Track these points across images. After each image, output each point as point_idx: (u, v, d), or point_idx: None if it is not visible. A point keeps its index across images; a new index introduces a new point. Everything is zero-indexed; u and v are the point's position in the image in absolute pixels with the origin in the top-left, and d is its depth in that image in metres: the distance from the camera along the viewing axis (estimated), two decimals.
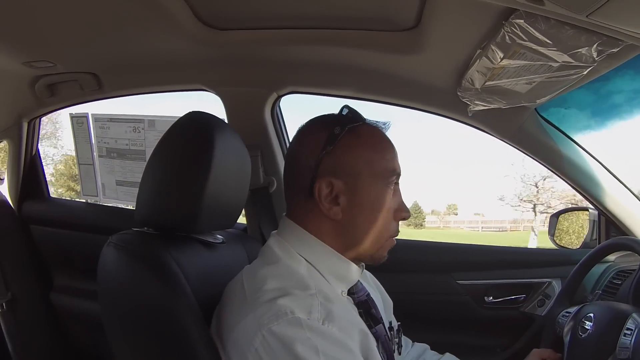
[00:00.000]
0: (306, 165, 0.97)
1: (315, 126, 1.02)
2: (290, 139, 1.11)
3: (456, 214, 34.94)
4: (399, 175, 1.02)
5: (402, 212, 1.03)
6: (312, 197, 0.96)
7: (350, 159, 0.97)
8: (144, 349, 0.97)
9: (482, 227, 31.19)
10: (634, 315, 1.16)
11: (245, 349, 0.83)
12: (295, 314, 0.82)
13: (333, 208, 0.96)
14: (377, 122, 1.04)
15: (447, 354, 1.34)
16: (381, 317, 1.07)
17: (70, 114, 2.14)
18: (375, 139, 1.01)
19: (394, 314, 1.26)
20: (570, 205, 2.95)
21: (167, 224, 1.05)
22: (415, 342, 1.37)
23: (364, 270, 1.11)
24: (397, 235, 1.05)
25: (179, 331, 0.92)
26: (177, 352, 0.92)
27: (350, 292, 1.02)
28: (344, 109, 1.04)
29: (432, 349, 1.37)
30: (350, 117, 1.01)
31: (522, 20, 1.04)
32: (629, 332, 1.12)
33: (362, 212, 0.98)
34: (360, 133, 0.98)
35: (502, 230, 29.11)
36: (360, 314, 1.01)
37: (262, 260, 0.99)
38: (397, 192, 1.03)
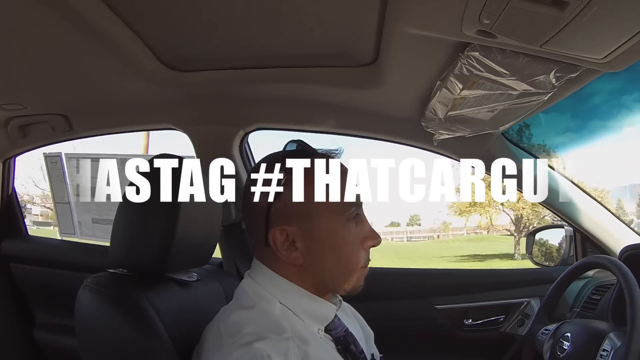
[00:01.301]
0: (257, 214, 0.94)
1: (265, 168, 0.96)
2: None
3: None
4: (359, 204, 0.97)
5: (370, 240, 0.98)
6: (267, 246, 0.93)
7: (302, 199, 0.92)
8: None
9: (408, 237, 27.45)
10: (611, 335, 1.16)
11: None
12: (272, 358, 0.81)
13: (292, 254, 0.92)
14: (328, 150, 1.00)
15: None
16: (361, 350, 1.04)
17: (43, 153, 2.13)
18: (327, 172, 0.95)
19: (375, 342, 1.24)
20: None
21: (141, 264, 1.05)
22: None
23: (342, 302, 1.08)
24: (369, 264, 1.00)
25: None
26: None
27: (327, 329, 0.99)
28: (291, 144, 1.00)
29: None
30: (297, 155, 0.96)
31: (477, 53, 1.05)
32: (604, 353, 1.13)
33: (324, 252, 0.94)
34: (309, 169, 0.93)
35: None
36: (339, 351, 0.98)
37: (236, 304, 0.98)
38: (360, 220, 0.98)
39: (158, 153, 1.10)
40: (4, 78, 1.50)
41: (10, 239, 2.22)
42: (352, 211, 0.96)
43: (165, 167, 1.06)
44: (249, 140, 1.85)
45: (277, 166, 0.94)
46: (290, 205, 0.92)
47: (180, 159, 1.08)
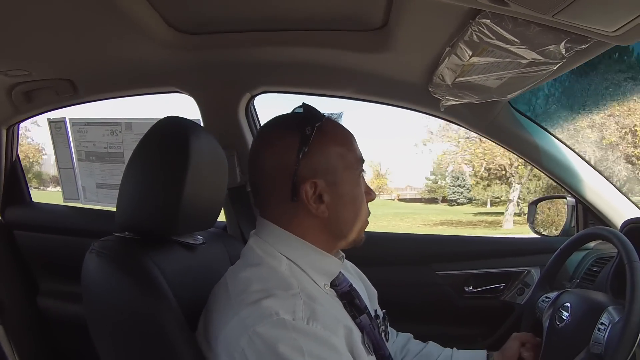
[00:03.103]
0: (284, 170, 0.97)
1: (283, 129, 1.02)
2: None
3: None
4: (363, 161, 1.07)
5: (370, 194, 1.09)
6: (294, 200, 0.97)
7: (325, 157, 0.99)
8: (128, 353, 0.99)
9: None
10: (609, 309, 1.16)
11: (232, 349, 0.84)
12: (280, 315, 0.84)
13: (320, 207, 0.98)
14: (331, 114, 1.07)
15: (431, 342, 1.36)
16: (365, 306, 1.08)
17: (48, 119, 2.12)
18: (340, 133, 1.04)
19: None
20: None
21: (147, 227, 1.06)
22: (399, 332, 1.38)
23: (345, 260, 1.13)
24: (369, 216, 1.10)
25: (161, 335, 0.94)
26: (160, 355, 0.94)
27: (333, 285, 1.04)
28: (299, 108, 1.05)
29: (414, 339, 1.38)
30: (312, 116, 1.01)
31: (488, 20, 1.04)
32: (602, 327, 1.12)
33: (345, 204, 1.01)
34: (326, 130, 1.00)
35: None
36: (344, 305, 1.03)
37: (244, 262, 1.01)
38: (362, 177, 1.07)
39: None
40: (7, 44, 1.49)
41: (13, 206, 2.22)
42: (361, 167, 1.06)
43: (173, 130, 1.07)
44: (254, 103, 1.86)
45: (300, 124, 0.98)
46: (317, 161, 0.98)
47: (187, 121, 1.09)
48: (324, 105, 1.10)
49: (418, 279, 1.84)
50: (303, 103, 1.04)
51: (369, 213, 1.09)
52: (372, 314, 1.11)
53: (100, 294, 1.00)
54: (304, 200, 0.97)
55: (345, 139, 1.04)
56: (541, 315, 1.37)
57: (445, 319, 1.83)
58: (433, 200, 30.02)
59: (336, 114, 1.08)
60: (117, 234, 1.08)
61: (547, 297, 1.41)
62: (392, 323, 1.26)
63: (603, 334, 1.12)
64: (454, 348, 1.33)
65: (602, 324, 1.14)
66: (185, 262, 1.11)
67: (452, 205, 26.85)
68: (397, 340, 1.36)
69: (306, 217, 0.99)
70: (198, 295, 1.01)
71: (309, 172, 0.97)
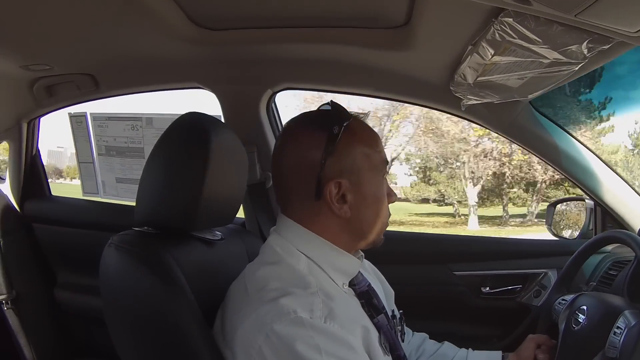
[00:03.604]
0: (309, 168, 0.97)
1: (309, 126, 1.01)
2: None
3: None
4: (387, 163, 1.06)
5: (391, 196, 1.07)
6: (319, 199, 0.97)
7: (351, 157, 0.98)
8: (145, 347, 0.99)
9: None
10: (626, 313, 1.15)
11: (249, 347, 0.84)
12: (298, 314, 0.84)
13: (343, 207, 0.98)
14: (358, 114, 1.05)
15: (446, 343, 1.35)
16: (383, 306, 1.08)
17: (69, 113, 2.15)
18: (367, 133, 1.03)
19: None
20: None
21: (167, 222, 1.07)
22: (415, 332, 1.38)
23: (364, 260, 1.12)
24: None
25: (179, 330, 0.94)
26: (177, 351, 0.94)
27: (351, 284, 1.03)
28: (326, 105, 1.04)
29: (430, 339, 1.38)
30: (340, 114, 1.00)
31: (510, 19, 1.04)
32: (618, 330, 1.11)
33: (368, 205, 1.01)
34: (353, 129, 0.99)
35: None
36: (362, 305, 1.02)
37: (263, 259, 1.01)
38: (385, 178, 1.06)
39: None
40: (31, 39, 1.51)
41: (33, 199, 2.25)
42: (385, 169, 1.05)
43: (194, 125, 1.07)
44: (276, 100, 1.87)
45: (328, 123, 0.98)
46: (343, 160, 0.97)
47: (208, 117, 1.10)
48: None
49: (435, 278, 1.83)
50: (331, 101, 1.04)
51: (390, 215, 1.08)
52: (389, 314, 1.11)
53: (118, 288, 1.01)
54: (327, 199, 0.96)
55: (371, 139, 1.03)
56: (557, 317, 1.36)
57: (461, 319, 1.82)
58: None
59: (364, 114, 1.08)
60: (136, 229, 1.08)
61: (563, 300, 1.40)
62: (408, 321, 1.26)
63: (619, 338, 1.11)
64: (469, 348, 1.32)
65: (618, 327, 1.13)
66: (204, 258, 1.11)
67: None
68: (413, 340, 1.36)
69: (328, 217, 0.98)
70: (216, 291, 1.01)
71: (334, 171, 0.96)
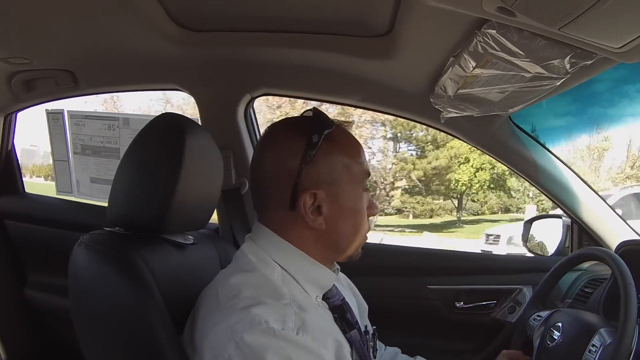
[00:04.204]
0: (285, 176, 0.94)
1: (289, 133, 0.99)
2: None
3: None
4: (369, 175, 1.03)
5: (372, 209, 1.04)
6: (294, 209, 0.94)
7: (329, 167, 0.96)
8: (110, 348, 0.97)
9: None
10: (601, 331, 1.15)
11: (219, 355, 0.82)
12: (270, 324, 0.82)
13: (317, 219, 0.95)
14: (342, 122, 1.03)
15: (418, 358, 1.34)
16: (356, 321, 1.06)
17: (46, 110, 2.12)
18: (348, 143, 1.01)
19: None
20: None
21: (138, 224, 1.05)
22: (387, 347, 1.36)
23: (339, 273, 1.10)
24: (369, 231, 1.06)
25: (146, 333, 0.92)
26: (142, 352, 0.93)
27: (325, 297, 1.01)
28: (308, 111, 1.02)
29: (403, 352, 1.37)
30: (322, 122, 0.98)
31: (494, 31, 1.04)
32: (594, 348, 1.12)
33: (345, 218, 0.98)
34: (334, 138, 0.97)
35: None
36: (335, 319, 1.00)
37: (236, 267, 0.99)
38: (366, 190, 1.03)
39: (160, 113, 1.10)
40: (10, 31, 1.48)
41: (6, 195, 2.20)
42: (366, 181, 1.03)
43: (170, 126, 1.06)
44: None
45: (309, 130, 0.95)
46: (320, 171, 0.95)
47: (184, 118, 1.08)
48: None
49: (409, 292, 1.82)
50: (314, 108, 1.02)
51: (369, 228, 1.05)
52: (362, 329, 1.09)
53: (86, 287, 0.99)
54: (301, 210, 0.94)
55: (353, 149, 1.00)
56: (532, 333, 1.36)
57: (435, 333, 1.81)
58: None
59: (348, 122, 1.05)
60: (107, 229, 1.06)
61: (538, 316, 1.40)
62: (381, 334, 1.25)
63: (594, 356, 1.11)
64: None
65: (593, 345, 1.13)
66: (175, 261, 1.10)
67: None
68: (385, 355, 1.34)
69: (303, 228, 0.96)
70: (186, 295, 1.00)
71: (311, 181, 0.94)
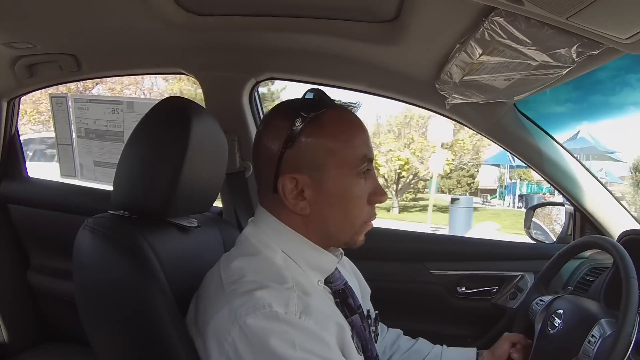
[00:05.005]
0: (268, 160, 0.94)
1: (277, 116, 0.97)
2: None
3: None
4: (370, 160, 0.98)
5: (377, 196, 0.99)
6: (275, 192, 0.93)
7: (312, 151, 0.93)
8: (115, 330, 0.98)
9: None
10: (602, 322, 1.15)
11: (222, 338, 0.83)
12: (273, 308, 0.82)
13: (299, 203, 0.94)
14: (346, 103, 1.00)
15: (421, 339, 1.35)
16: (359, 305, 1.06)
17: (49, 94, 2.12)
18: (339, 127, 0.95)
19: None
20: None
21: (143, 207, 1.05)
22: (390, 328, 1.37)
23: (343, 257, 1.09)
24: (373, 219, 1.02)
25: (150, 315, 0.93)
26: (146, 335, 0.93)
27: (327, 282, 1.01)
28: (309, 92, 0.99)
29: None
30: (313, 104, 0.95)
31: (501, 19, 1.03)
32: (593, 339, 1.12)
33: (331, 204, 0.95)
34: (323, 122, 0.93)
35: None
36: (337, 304, 1.00)
37: (238, 250, 0.98)
38: (370, 176, 0.99)
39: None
40: (14, 15, 1.48)
41: (9, 179, 2.21)
42: (363, 166, 0.96)
43: (175, 110, 1.06)
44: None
45: (294, 113, 0.93)
46: (304, 154, 0.93)
47: (189, 102, 1.08)
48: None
49: (411, 276, 1.83)
50: (314, 88, 0.99)
51: (372, 215, 1.01)
52: (365, 313, 1.08)
53: (91, 270, 0.99)
54: (280, 194, 0.93)
55: (344, 134, 0.95)
56: (534, 317, 1.37)
57: (437, 318, 1.83)
58: None
59: (353, 104, 1.01)
60: (112, 212, 1.06)
61: (541, 300, 1.41)
62: (383, 318, 1.25)
63: (593, 347, 1.11)
64: (444, 345, 1.32)
65: (593, 336, 1.13)
66: (179, 245, 1.10)
67: None
68: (387, 336, 1.35)
69: (289, 211, 0.95)
70: (190, 278, 1.00)
71: (291, 165, 0.92)
